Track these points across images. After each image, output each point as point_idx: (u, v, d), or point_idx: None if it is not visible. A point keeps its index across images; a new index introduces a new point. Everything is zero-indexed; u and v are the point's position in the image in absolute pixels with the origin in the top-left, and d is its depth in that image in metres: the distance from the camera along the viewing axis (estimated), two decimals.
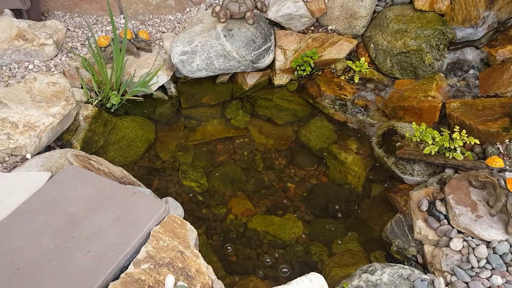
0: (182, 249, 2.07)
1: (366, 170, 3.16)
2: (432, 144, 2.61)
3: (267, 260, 2.74)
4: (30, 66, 3.25)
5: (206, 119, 3.56)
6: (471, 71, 3.19)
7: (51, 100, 2.88)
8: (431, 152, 2.61)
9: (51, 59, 3.35)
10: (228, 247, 2.77)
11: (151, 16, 3.83)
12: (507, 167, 2.30)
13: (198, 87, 3.64)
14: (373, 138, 3.18)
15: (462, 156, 2.59)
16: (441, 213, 2.29)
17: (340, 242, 2.81)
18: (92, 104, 3.27)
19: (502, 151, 2.57)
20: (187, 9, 3.83)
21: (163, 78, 3.42)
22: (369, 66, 3.52)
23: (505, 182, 2.14)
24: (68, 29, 3.63)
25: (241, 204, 3.05)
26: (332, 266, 2.55)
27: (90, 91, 3.28)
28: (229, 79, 3.68)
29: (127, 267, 1.98)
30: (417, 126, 2.70)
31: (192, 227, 2.24)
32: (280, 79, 3.58)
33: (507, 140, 2.61)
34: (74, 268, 1.92)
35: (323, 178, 3.28)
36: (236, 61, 3.31)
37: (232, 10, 3.31)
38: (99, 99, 3.28)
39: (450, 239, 2.19)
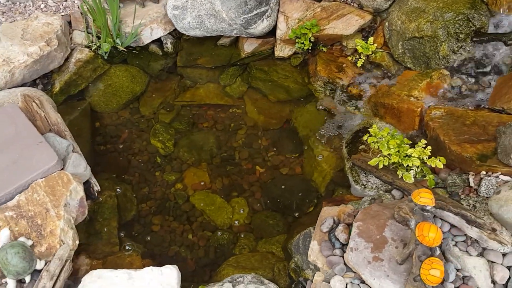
0: (49, 207, 2.04)
1: (335, 170, 2.73)
2: (386, 156, 2.10)
3: (188, 238, 2.59)
4: (42, 5, 3.41)
5: (200, 81, 3.39)
6: (491, 75, 2.43)
7: (36, 39, 3.00)
8: (378, 164, 2.11)
9: (64, 1, 3.46)
10: (155, 217, 2.66)
11: None
12: (438, 208, 1.74)
13: (199, 47, 3.46)
14: (347, 135, 2.70)
15: (413, 179, 2.04)
16: (338, 240, 1.86)
17: (266, 241, 2.52)
18: (91, 48, 3.33)
19: (471, 185, 1.96)
20: None
21: (158, 31, 3.31)
22: (382, 49, 2.93)
23: (415, 227, 1.63)
24: None
25: (197, 176, 2.89)
26: (230, 264, 2.29)
27: (91, 36, 3.34)
28: (233, 44, 3.42)
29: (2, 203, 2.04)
30: (377, 130, 2.19)
31: (79, 189, 2.18)
32: (281, 51, 3.21)
33: (484, 172, 1.97)
34: None
35: (297, 169, 2.93)
36: (227, 23, 3.04)
37: None
38: (98, 44, 3.32)
39: (334, 274, 1.78)
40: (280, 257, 2.38)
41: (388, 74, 2.86)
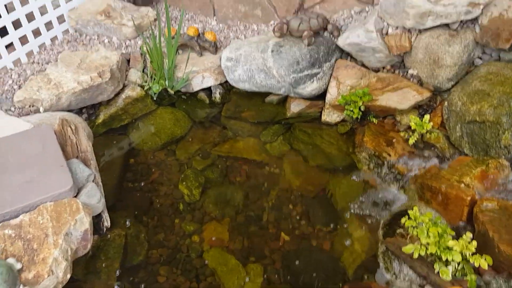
0: (49, 233, 1.93)
1: (367, 254, 2.43)
2: (424, 244, 1.81)
3: None
4: (106, 41, 3.56)
5: (242, 134, 3.30)
6: None
7: (90, 70, 3.09)
8: (413, 253, 1.81)
9: (128, 40, 3.60)
10: (163, 267, 2.47)
11: (238, 22, 3.77)
12: None
13: (246, 101, 3.41)
14: (385, 215, 2.41)
15: (451, 276, 1.71)
16: None
17: None
18: (143, 88, 3.39)
19: None
20: (272, 22, 3.63)
21: (209, 80, 3.31)
22: (438, 129, 2.69)
23: None
24: (162, 20, 3.85)
25: (217, 231, 2.70)
26: None
27: (146, 76, 3.40)
28: (281, 103, 3.34)
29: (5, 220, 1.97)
30: (418, 213, 1.91)
31: (85, 220, 2.06)
32: (329, 116, 3.06)
33: None
34: None
35: (326, 244, 2.66)
36: (276, 80, 2.97)
37: (291, 25, 2.98)
38: (150, 85, 3.37)
39: None
40: None
41: (441, 157, 2.59)
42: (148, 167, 3.06)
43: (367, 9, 3.25)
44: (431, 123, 2.65)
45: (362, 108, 2.84)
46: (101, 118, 3.17)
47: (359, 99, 2.78)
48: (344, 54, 3.17)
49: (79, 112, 3.18)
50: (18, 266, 1.78)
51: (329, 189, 2.88)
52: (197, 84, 3.29)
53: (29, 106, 2.90)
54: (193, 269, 2.48)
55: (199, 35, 3.38)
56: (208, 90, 3.42)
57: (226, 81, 3.36)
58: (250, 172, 3.06)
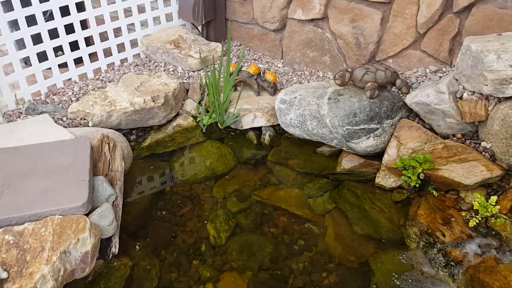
0: (46, 248, 1.82)
1: None
2: None
3: None
4: (171, 69, 3.60)
5: (285, 183, 3.07)
6: None
7: (146, 93, 3.09)
8: None
9: (192, 71, 3.61)
10: None
11: (304, 67, 3.63)
12: None
13: (296, 148, 3.19)
14: None
15: None
16: None
17: None
18: (196, 119, 3.34)
19: None
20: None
21: (260, 121, 3.16)
22: (507, 215, 2.26)
23: None
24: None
25: (235, 284, 2.45)
26: None
27: (201, 108, 3.35)
28: (333, 156, 3.08)
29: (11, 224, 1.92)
30: None
31: (88, 241, 1.93)
32: (384, 179, 2.73)
33: None
34: None
35: None
36: (328, 130, 2.74)
37: (355, 74, 2.77)
38: (203, 117, 3.31)
39: None
40: None
41: (503, 248, 2.14)
42: (181, 198, 2.92)
43: (444, 69, 2.94)
44: (498, 207, 2.22)
45: (421, 176, 2.49)
46: (147, 141, 3.13)
47: (418, 165, 2.43)
48: (413, 114, 2.86)
49: (129, 132, 3.17)
50: (4, 275, 1.67)
51: (370, 262, 2.51)
52: (247, 123, 3.15)
53: (80, 119, 2.93)
54: None
55: (259, 73, 3.28)
56: (258, 131, 3.26)
57: (278, 124, 3.18)
58: (287, 225, 2.79)
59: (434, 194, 2.55)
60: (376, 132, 2.66)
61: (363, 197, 2.78)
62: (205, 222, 2.74)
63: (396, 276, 2.35)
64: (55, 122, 2.84)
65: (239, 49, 3.95)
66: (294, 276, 2.46)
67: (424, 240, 2.38)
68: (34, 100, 3.07)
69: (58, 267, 1.78)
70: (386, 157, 2.70)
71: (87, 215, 2.05)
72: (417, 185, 2.53)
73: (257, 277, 2.45)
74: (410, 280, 2.29)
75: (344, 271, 2.47)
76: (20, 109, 2.97)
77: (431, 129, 2.71)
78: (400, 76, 2.92)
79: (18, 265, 1.73)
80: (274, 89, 3.28)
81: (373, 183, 2.85)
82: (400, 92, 2.87)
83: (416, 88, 2.80)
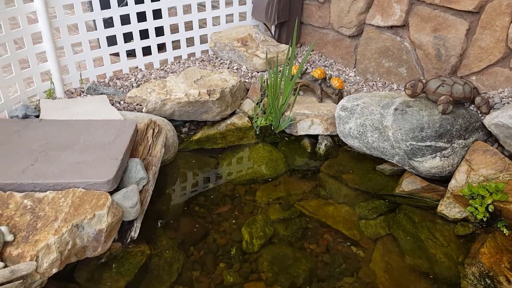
0: (59, 218, 1.77)
1: None
2: None
3: None
4: (235, 67, 3.51)
5: (336, 198, 2.80)
6: None
7: (203, 87, 3.03)
8: None
9: (257, 71, 3.49)
10: None
11: (378, 78, 3.34)
12: None
13: (353, 163, 2.91)
14: None
15: None
16: None
17: None
18: (251, 120, 3.21)
19: None
20: None
21: (317, 128, 2.93)
22: None
23: None
24: (299, 60, 3.68)
25: None
26: None
27: (258, 109, 3.22)
28: (395, 176, 2.75)
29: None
30: None
31: (104, 220, 1.85)
32: (448, 208, 2.36)
33: None
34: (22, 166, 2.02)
35: None
36: (390, 144, 2.44)
37: (429, 86, 2.45)
38: (259, 119, 3.17)
39: None
40: None
41: None
42: (222, 198, 2.77)
43: None
44: None
45: (491, 209, 2.09)
46: (197, 135, 3.05)
47: (488, 195, 2.04)
48: (491, 138, 2.45)
49: (182, 124, 3.12)
50: (9, 238, 1.63)
51: None
52: (303, 129, 2.94)
53: (136, 104, 2.93)
54: None
55: (324, 78, 3.06)
56: (314, 139, 3.03)
57: (337, 135, 2.92)
58: (331, 245, 2.51)
59: (504, 232, 2.12)
60: (444, 152, 2.29)
61: (420, 225, 2.41)
62: (241, 225, 2.56)
63: None
64: (112, 104, 2.86)
65: (310, 55, 3.76)
66: None
67: (483, 283, 1.97)
68: (98, 81, 3.14)
69: (66, 239, 1.71)
70: (453, 183, 2.32)
71: (111, 194, 1.98)
72: (485, 219, 2.13)
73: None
74: None
75: None
76: (83, 88, 3.05)
77: (511, 156, 2.29)
78: (481, 94, 2.52)
79: (27, 231, 1.69)
80: (339, 97, 3.03)
81: (434, 211, 2.48)
82: (479, 112, 2.48)
83: (498, 109, 2.40)
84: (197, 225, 2.54)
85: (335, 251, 2.45)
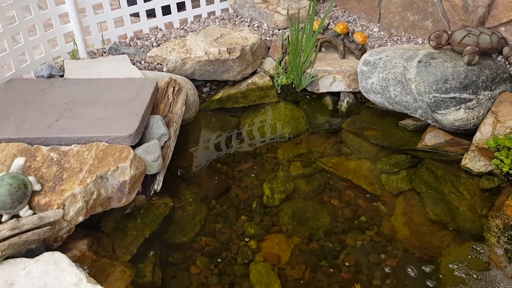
0: (84, 169, 1.83)
1: None
2: None
3: None
4: (256, 25, 3.47)
5: (357, 154, 2.79)
6: None
7: (222, 45, 3.01)
8: None
9: (278, 29, 3.44)
10: (202, 259, 2.16)
11: (402, 32, 3.24)
12: None
13: (376, 119, 2.87)
14: None
15: None
16: None
17: None
18: (272, 79, 3.19)
19: None
20: None
21: (339, 85, 2.89)
22: None
23: None
24: (320, 16, 3.59)
25: (279, 248, 2.28)
26: None
27: (279, 68, 3.19)
28: (418, 131, 2.70)
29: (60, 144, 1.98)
30: None
31: (127, 172, 1.91)
32: (472, 161, 2.31)
33: None
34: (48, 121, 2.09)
35: None
36: (413, 97, 2.38)
37: (454, 36, 2.37)
38: (280, 77, 3.15)
39: None
40: None
41: None
42: (245, 155, 2.80)
43: None
44: None
45: None
46: (218, 95, 3.06)
47: None
48: None
49: (203, 84, 3.13)
50: (37, 187, 1.71)
51: (439, 253, 2.15)
52: (324, 86, 2.90)
53: (157, 64, 2.95)
54: (231, 275, 2.09)
55: (347, 34, 2.98)
56: (335, 96, 2.99)
57: (360, 92, 2.88)
58: (352, 200, 2.52)
59: None
60: (468, 103, 2.23)
61: (443, 180, 2.39)
62: (262, 181, 2.59)
63: (467, 272, 1.97)
64: (133, 64, 2.89)
65: (333, 10, 3.66)
66: (347, 253, 2.20)
67: (507, 235, 1.95)
68: (119, 42, 3.17)
69: (91, 190, 1.78)
70: (478, 136, 2.27)
71: (134, 148, 2.02)
72: (511, 171, 2.08)
73: (305, 246, 2.25)
74: (482, 280, 1.90)
75: (407, 257, 2.15)
76: (105, 48, 3.09)
77: None
78: (509, 44, 2.41)
79: (53, 181, 1.76)
80: (362, 52, 2.96)
81: (458, 165, 2.44)
82: (507, 62, 2.38)
83: None
84: (219, 181, 2.58)
85: (355, 205, 2.45)
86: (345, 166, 2.70)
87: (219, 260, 2.14)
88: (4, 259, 1.56)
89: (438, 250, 2.14)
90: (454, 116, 2.27)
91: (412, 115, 2.53)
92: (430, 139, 2.47)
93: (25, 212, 1.63)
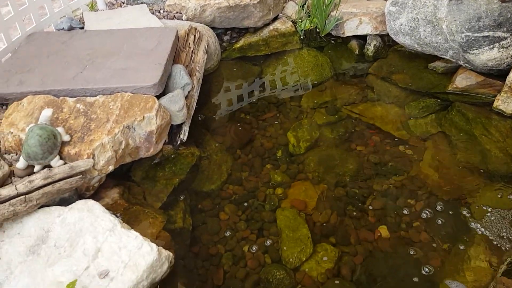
0: (111, 120, 1.84)
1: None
2: None
3: (243, 249, 2.03)
4: None
5: (385, 99, 2.72)
6: None
7: None
8: None
9: None
10: (230, 206, 2.19)
11: None
12: None
13: (404, 62, 2.77)
14: None
15: None
16: None
17: None
18: (295, 24, 3.08)
19: None
20: None
21: (366, 28, 2.78)
22: None
23: None
24: None
25: (305, 194, 2.28)
26: None
27: (302, 12, 3.08)
28: (448, 73, 2.60)
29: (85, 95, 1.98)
30: None
31: (154, 122, 1.91)
32: (505, 103, 2.23)
33: None
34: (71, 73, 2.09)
35: (434, 260, 1.98)
36: (444, 37, 2.27)
37: None
38: (303, 22, 3.04)
39: None
40: None
41: None
42: (268, 105, 2.77)
43: None
44: None
45: None
46: (239, 43, 2.99)
47: None
48: None
49: (223, 33, 3.06)
50: (66, 138, 1.73)
51: (469, 196, 2.12)
52: (350, 29, 2.79)
53: (176, 12, 2.89)
54: (260, 221, 2.13)
55: None
56: (362, 40, 2.88)
57: (387, 34, 2.76)
58: (378, 145, 2.48)
59: None
60: (502, 42, 2.11)
61: (474, 122, 2.31)
62: (287, 130, 2.57)
63: (498, 215, 1.95)
64: (152, 13, 2.83)
65: None
66: (374, 198, 2.20)
67: None
68: None
69: (119, 139, 1.79)
70: (511, 76, 2.17)
71: (158, 98, 2.01)
72: None
73: (332, 192, 2.25)
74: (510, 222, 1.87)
75: (435, 201, 2.13)
76: None
77: None
78: None
79: (82, 132, 1.78)
80: None
81: (490, 107, 2.36)
82: None
83: None
84: (243, 130, 2.57)
85: (383, 151, 2.42)
86: (372, 112, 2.65)
87: (246, 206, 2.17)
88: (39, 208, 1.61)
89: (469, 193, 2.11)
90: (487, 55, 2.16)
91: (443, 56, 2.42)
92: (461, 81, 2.38)
93: (56, 162, 1.66)
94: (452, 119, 2.40)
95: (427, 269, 1.85)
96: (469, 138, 2.30)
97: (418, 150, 2.40)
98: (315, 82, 2.83)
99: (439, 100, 2.52)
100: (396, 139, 2.47)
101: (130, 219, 1.69)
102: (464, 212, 2.03)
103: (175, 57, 2.33)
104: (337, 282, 1.85)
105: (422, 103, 2.54)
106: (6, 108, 2.00)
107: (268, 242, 2.03)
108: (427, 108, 2.52)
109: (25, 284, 1.42)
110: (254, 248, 2.00)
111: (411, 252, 1.93)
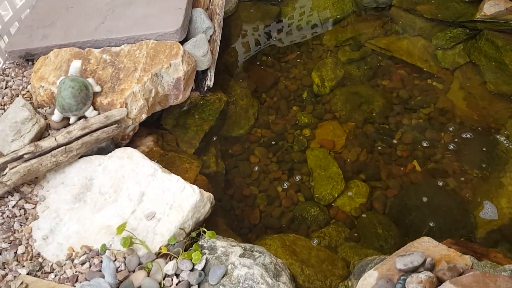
0: (139, 68, 1.84)
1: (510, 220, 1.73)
2: None
3: (276, 189, 2.07)
4: None
5: (410, 32, 2.65)
6: None
7: None
8: None
9: None
10: (260, 149, 2.21)
11: None
12: None
13: None
14: None
15: None
16: None
17: (353, 247, 1.80)
18: None
19: None
20: None
21: None
22: None
23: None
24: None
25: (333, 133, 2.29)
26: (284, 244, 1.71)
27: None
28: (474, 2, 2.50)
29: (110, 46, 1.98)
30: None
31: (180, 68, 1.90)
32: None
33: None
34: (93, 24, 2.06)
35: (464, 190, 2.00)
36: None
37: None
38: None
39: None
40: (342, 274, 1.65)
41: None
42: (289, 46, 2.72)
43: None
44: None
45: None
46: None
47: None
48: None
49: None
50: (97, 89, 1.74)
51: (501, 125, 2.10)
52: None
53: None
54: (290, 162, 2.16)
55: None
56: None
57: None
58: (405, 79, 2.44)
59: None
60: None
61: (504, 49, 2.25)
62: (311, 70, 2.53)
63: None
64: None
65: None
66: (404, 132, 2.20)
67: None
68: None
69: (149, 87, 1.80)
70: None
71: (182, 44, 1.99)
72: None
73: (360, 129, 2.25)
74: None
75: (466, 132, 2.12)
76: None
77: None
78: None
79: (111, 82, 1.79)
80: None
81: None
82: None
83: None
84: (266, 74, 2.55)
85: (410, 85, 2.39)
86: (397, 45, 2.59)
87: (276, 149, 2.19)
88: (79, 158, 1.65)
89: (500, 122, 2.10)
90: None
91: None
92: (489, 8, 2.29)
93: (90, 112, 1.68)
94: (481, 48, 2.33)
95: (459, 198, 1.88)
96: (500, 66, 2.24)
97: (446, 81, 2.36)
98: (337, 18, 2.76)
99: (467, 29, 2.45)
100: (423, 72, 2.43)
101: (167, 165, 1.73)
102: (496, 142, 2.02)
103: (194, 1, 2.28)
104: (369, 217, 1.89)
105: (449, 33, 2.47)
106: (32, 64, 2.01)
107: (299, 181, 2.07)
108: (454, 38, 2.45)
109: (75, 230, 1.49)
110: (286, 186, 2.04)
111: (442, 183, 1.95)
